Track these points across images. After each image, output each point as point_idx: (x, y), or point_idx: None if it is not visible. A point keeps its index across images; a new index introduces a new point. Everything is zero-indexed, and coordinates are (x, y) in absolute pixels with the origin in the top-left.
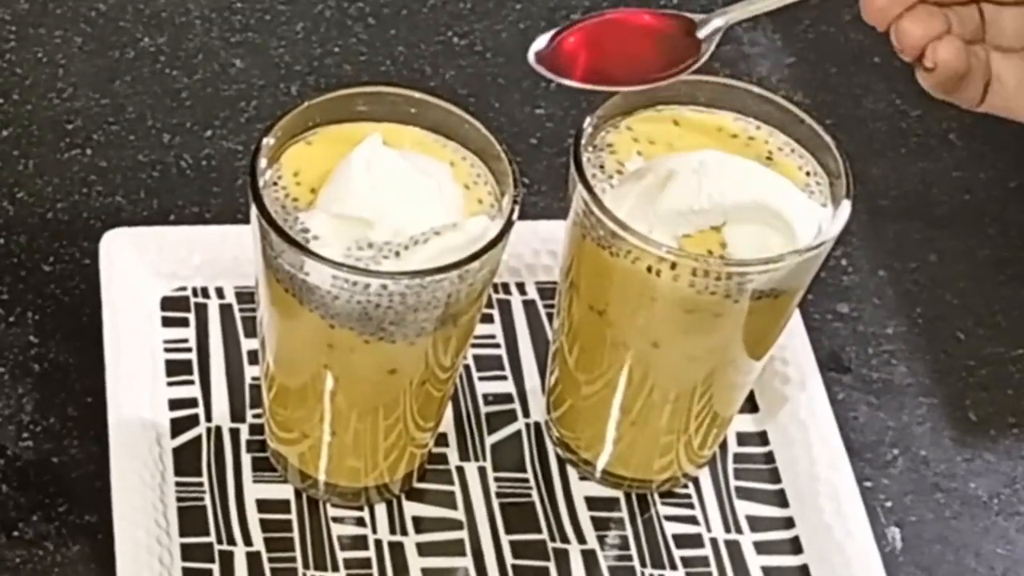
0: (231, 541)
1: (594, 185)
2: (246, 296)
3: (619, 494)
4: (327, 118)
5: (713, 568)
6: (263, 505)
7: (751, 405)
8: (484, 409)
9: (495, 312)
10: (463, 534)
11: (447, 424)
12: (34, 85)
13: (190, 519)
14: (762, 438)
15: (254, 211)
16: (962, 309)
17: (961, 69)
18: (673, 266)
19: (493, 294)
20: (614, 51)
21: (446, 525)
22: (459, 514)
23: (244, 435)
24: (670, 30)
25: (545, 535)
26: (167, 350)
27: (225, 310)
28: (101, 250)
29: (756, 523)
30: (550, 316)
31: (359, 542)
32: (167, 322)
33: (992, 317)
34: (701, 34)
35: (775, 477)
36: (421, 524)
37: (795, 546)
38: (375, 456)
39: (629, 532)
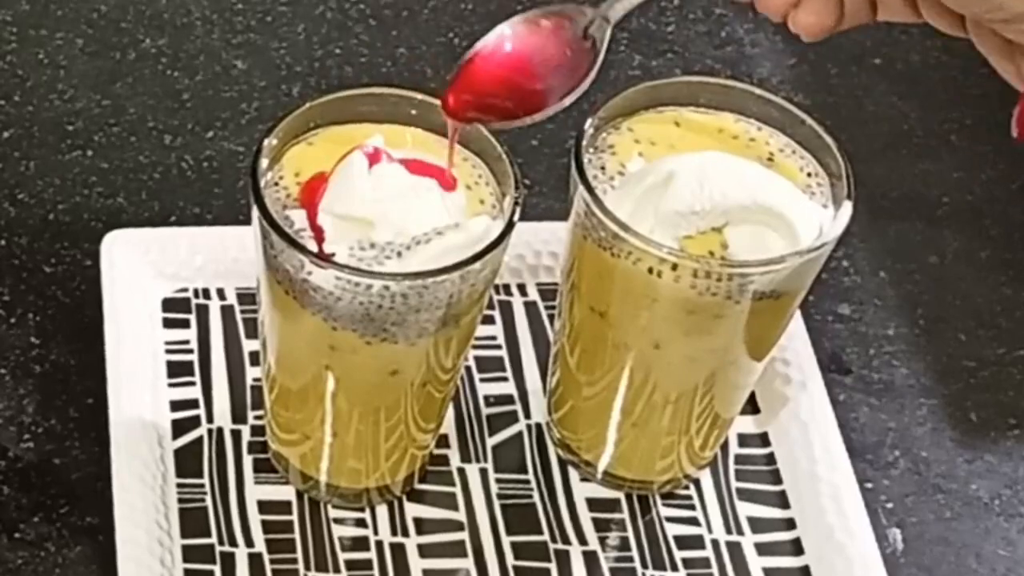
0: (232, 542)
1: (595, 186)
2: (247, 297)
3: (620, 495)
4: (328, 119)
5: (714, 569)
6: (264, 506)
7: (752, 406)
8: (485, 410)
9: (496, 313)
10: (464, 535)
11: (448, 425)
12: (35, 86)
13: (191, 520)
14: (763, 439)
15: (255, 212)
16: (963, 310)
17: (827, 24)
18: (674, 267)
19: (494, 295)
20: (518, 84)
21: (447, 526)
22: (460, 515)
23: (245, 436)
24: (563, 38)
25: (546, 536)
26: (168, 351)
27: (226, 311)
28: (102, 251)
29: (757, 524)
30: (551, 317)
31: (360, 543)
32: (168, 323)
33: (993, 318)
34: (593, 31)
35: (776, 478)
36: (422, 525)
37: (796, 547)
38: (376, 457)
39: (630, 533)
